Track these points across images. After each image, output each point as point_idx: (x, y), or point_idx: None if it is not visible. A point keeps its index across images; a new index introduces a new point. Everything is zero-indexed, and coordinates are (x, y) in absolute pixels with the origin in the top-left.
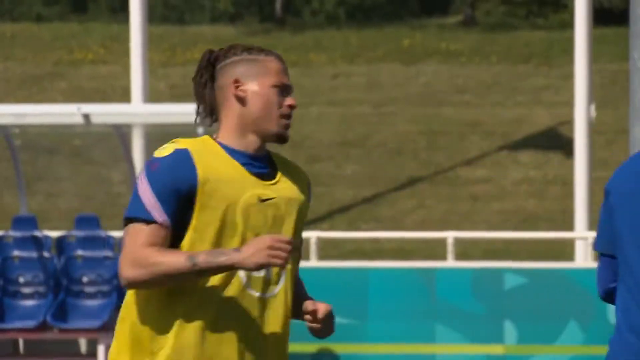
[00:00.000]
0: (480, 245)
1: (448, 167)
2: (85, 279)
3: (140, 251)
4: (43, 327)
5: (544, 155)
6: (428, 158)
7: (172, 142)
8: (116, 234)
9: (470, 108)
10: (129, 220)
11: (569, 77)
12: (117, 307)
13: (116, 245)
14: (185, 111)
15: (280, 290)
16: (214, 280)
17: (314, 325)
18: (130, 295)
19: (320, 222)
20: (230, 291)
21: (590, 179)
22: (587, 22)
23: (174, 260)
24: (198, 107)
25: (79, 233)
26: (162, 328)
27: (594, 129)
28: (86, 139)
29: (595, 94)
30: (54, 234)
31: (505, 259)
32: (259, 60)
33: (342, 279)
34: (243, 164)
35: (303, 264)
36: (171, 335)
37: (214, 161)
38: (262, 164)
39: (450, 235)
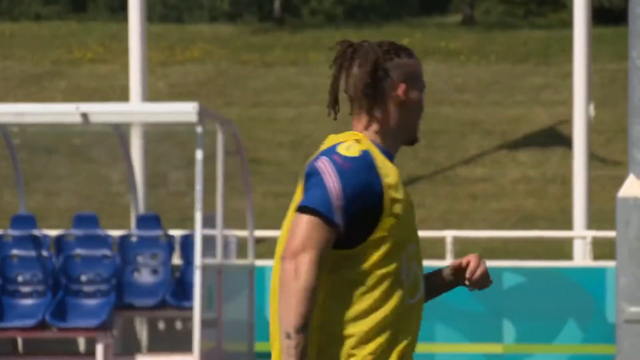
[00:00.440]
0: (480, 244)
1: (447, 166)
2: (84, 278)
3: (309, 255)
4: (42, 326)
5: (543, 154)
6: (427, 157)
7: (350, 139)
8: (115, 233)
9: (470, 107)
10: (310, 210)
11: (568, 76)
12: (115, 306)
13: (114, 244)
14: (184, 110)
15: (421, 294)
16: (385, 291)
17: (475, 275)
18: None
19: None
20: (395, 300)
21: (589, 177)
22: (586, 21)
23: (303, 312)
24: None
25: (78, 232)
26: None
27: (593, 128)
28: (85, 138)
29: (594, 93)
30: (53, 232)
31: (504, 258)
32: (416, 65)
33: None
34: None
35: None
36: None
37: (383, 165)
38: None
39: (449, 234)
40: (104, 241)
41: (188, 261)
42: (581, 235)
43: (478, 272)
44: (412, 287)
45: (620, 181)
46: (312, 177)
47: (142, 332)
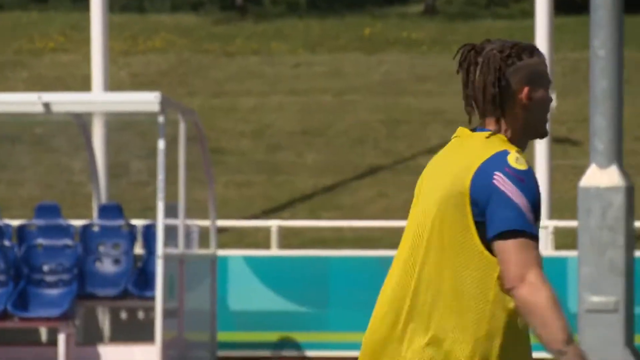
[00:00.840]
0: None
1: (409, 155)
2: (45, 268)
3: (534, 272)
4: (3, 316)
5: None
6: (389, 147)
7: (510, 149)
8: (77, 222)
9: (432, 97)
10: (514, 234)
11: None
12: (77, 296)
13: (76, 234)
14: (146, 100)
15: None
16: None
17: None
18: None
19: (281, 210)
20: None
21: (551, 167)
22: (548, 11)
23: (561, 324)
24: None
25: (40, 222)
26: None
27: (555, 118)
28: (47, 127)
29: (556, 83)
30: (15, 222)
31: None
32: (540, 64)
33: (303, 268)
34: None
35: (263, 252)
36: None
37: None
38: None
39: None
40: (66, 231)
41: (150, 251)
42: (543, 224)
43: None
44: None
45: (581, 171)
46: (495, 196)
47: (104, 321)
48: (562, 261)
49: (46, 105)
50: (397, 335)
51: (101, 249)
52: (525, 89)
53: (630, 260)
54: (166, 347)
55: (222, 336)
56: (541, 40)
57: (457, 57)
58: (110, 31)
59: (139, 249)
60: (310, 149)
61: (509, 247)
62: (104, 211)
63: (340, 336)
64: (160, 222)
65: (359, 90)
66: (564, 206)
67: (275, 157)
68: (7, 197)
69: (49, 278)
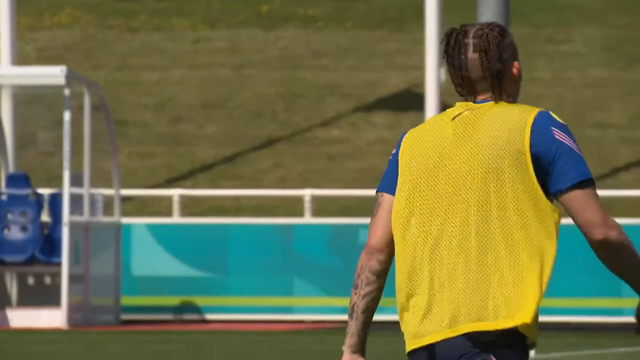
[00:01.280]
0: (337, 202)
1: (305, 127)
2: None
3: (611, 217)
4: None
5: (397, 117)
6: (286, 119)
7: (533, 107)
8: None
9: (327, 72)
10: (589, 182)
11: (421, 42)
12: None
13: None
14: (53, 73)
15: None
16: None
17: None
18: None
19: (183, 180)
20: None
21: None
22: None
23: None
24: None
25: None
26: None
27: (444, 91)
28: None
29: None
30: None
31: (360, 215)
32: (513, 40)
33: (204, 235)
34: None
35: (166, 220)
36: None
37: None
38: None
39: (307, 192)
40: None
41: (56, 219)
42: None
43: None
44: None
45: None
46: (560, 150)
47: (12, 287)
48: None
49: None
50: (472, 302)
51: (9, 216)
52: (516, 64)
53: None
54: (72, 310)
55: (126, 300)
56: (430, 17)
57: (446, 42)
58: (17, 6)
59: (45, 217)
60: (210, 121)
61: (588, 195)
62: (12, 180)
63: (239, 300)
64: (66, 190)
65: (257, 65)
66: None
67: (177, 129)
68: None
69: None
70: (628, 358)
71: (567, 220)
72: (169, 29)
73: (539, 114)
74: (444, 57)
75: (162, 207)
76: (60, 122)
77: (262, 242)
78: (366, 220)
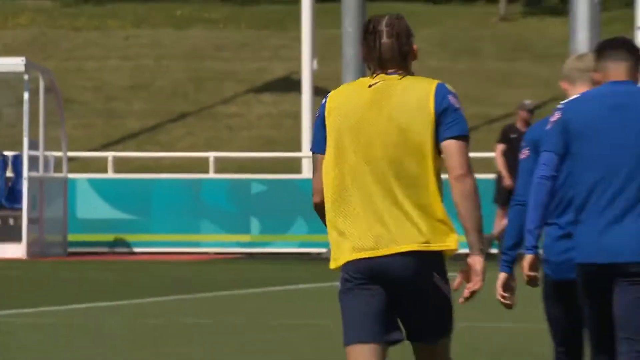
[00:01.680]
0: (235, 162)
1: (210, 105)
2: None
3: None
4: None
5: (280, 97)
6: (195, 99)
7: (431, 79)
8: None
9: (227, 62)
10: (467, 138)
11: (298, 39)
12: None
13: None
14: (15, 63)
15: None
16: None
17: (468, 295)
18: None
19: (116, 145)
20: None
21: (313, 114)
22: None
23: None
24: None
25: None
26: None
27: (316, 77)
28: None
29: (318, 51)
30: None
31: (252, 172)
32: None
33: (132, 187)
34: None
35: (102, 176)
36: None
37: None
38: None
39: (212, 155)
40: None
41: (18, 174)
42: (307, 155)
43: (470, 294)
44: None
45: None
46: (457, 111)
47: None
48: None
49: None
50: (389, 229)
51: None
52: (415, 46)
53: None
54: (30, 245)
55: (72, 237)
56: (306, 20)
57: (364, 29)
58: None
59: (9, 173)
60: (137, 100)
61: (461, 146)
62: None
63: (160, 237)
64: (25, 153)
65: (173, 57)
66: None
67: (112, 105)
68: None
69: None
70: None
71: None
72: (105, 29)
73: (438, 84)
74: (363, 40)
75: (99, 166)
76: (21, 101)
77: (177, 192)
78: (257, 176)
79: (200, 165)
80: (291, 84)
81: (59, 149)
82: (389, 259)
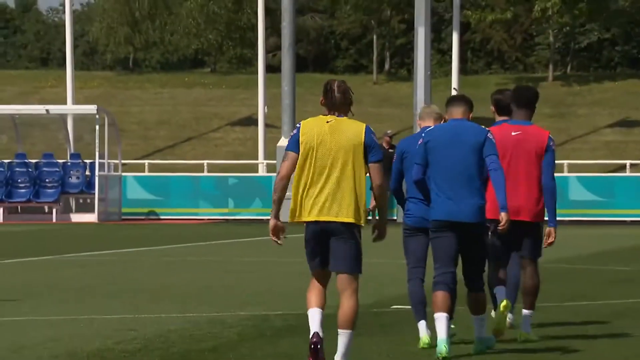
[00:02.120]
0: (219, 166)
1: (205, 132)
2: None
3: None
4: None
5: (246, 128)
6: (196, 129)
7: (360, 122)
8: None
9: (214, 108)
10: (380, 160)
11: (256, 94)
12: None
13: None
14: None
15: None
16: None
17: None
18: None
19: (149, 156)
20: None
21: (266, 140)
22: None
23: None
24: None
25: None
26: None
27: (268, 117)
28: None
29: (267, 101)
30: None
31: (229, 172)
32: None
33: (159, 181)
34: None
35: (142, 174)
36: None
37: None
38: None
39: (205, 162)
40: None
41: (92, 173)
42: (262, 162)
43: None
44: None
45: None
46: (374, 144)
47: None
48: None
49: None
50: (335, 204)
51: None
52: (352, 99)
53: None
54: (99, 214)
55: (124, 210)
56: (260, 83)
57: (324, 88)
58: None
59: (88, 172)
60: (162, 130)
61: (379, 167)
62: None
63: (175, 210)
64: (97, 161)
65: (183, 105)
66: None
67: (147, 133)
68: None
69: None
70: None
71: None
72: (143, 88)
73: (366, 126)
74: (323, 93)
75: (140, 168)
76: (94, 130)
77: (185, 184)
78: (232, 174)
79: (199, 168)
80: (252, 121)
81: (117, 158)
82: (329, 224)
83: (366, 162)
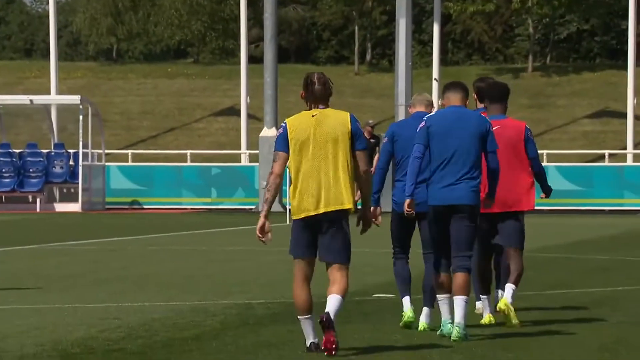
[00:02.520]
0: (202, 156)
1: (188, 122)
2: None
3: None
4: None
5: (228, 118)
6: (179, 119)
7: (344, 111)
8: None
9: (197, 98)
10: (365, 148)
11: (239, 84)
12: None
13: None
14: None
15: None
16: None
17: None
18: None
19: (133, 146)
20: None
21: (248, 130)
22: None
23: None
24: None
25: None
26: None
27: (250, 107)
28: None
29: (250, 92)
30: None
31: (212, 162)
32: None
33: (143, 171)
34: None
35: (125, 164)
36: None
37: None
38: None
39: (188, 152)
40: None
41: (76, 163)
42: (244, 152)
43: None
44: None
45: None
46: (359, 132)
47: None
48: None
49: None
50: (336, 194)
51: None
52: (332, 90)
53: None
54: (83, 204)
55: (108, 199)
56: (243, 73)
57: (304, 81)
58: None
59: (71, 162)
60: (145, 120)
61: (365, 154)
62: None
63: (158, 199)
64: (80, 150)
65: (166, 95)
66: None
67: (130, 123)
68: None
69: None
70: None
71: None
72: (126, 79)
73: (350, 114)
74: (304, 87)
75: (123, 158)
76: (77, 120)
77: (169, 173)
78: (215, 164)
79: (182, 158)
80: (234, 111)
81: (100, 148)
82: (325, 214)
83: (353, 149)
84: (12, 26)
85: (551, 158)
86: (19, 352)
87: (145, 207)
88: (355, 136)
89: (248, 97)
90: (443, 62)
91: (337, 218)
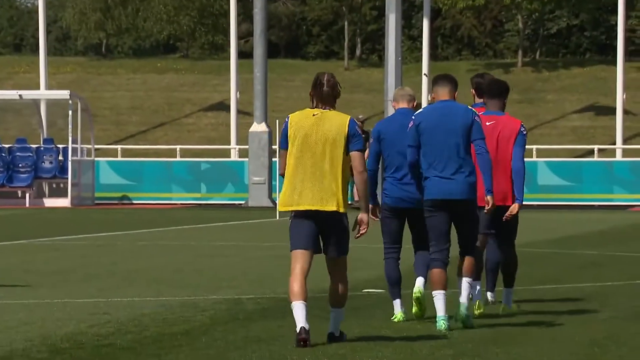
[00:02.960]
0: (191, 151)
1: (177, 118)
2: None
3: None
4: None
5: (218, 113)
6: (169, 114)
7: (345, 114)
8: None
9: (187, 93)
10: (361, 150)
11: (229, 80)
12: None
13: None
14: None
15: None
16: None
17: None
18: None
19: (122, 141)
20: None
21: (238, 125)
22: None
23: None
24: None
25: None
26: None
27: (240, 102)
28: None
29: (240, 87)
30: None
31: (202, 157)
32: None
33: (132, 166)
34: None
35: (115, 159)
36: None
37: None
38: None
39: (178, 147)
40: None
41: (65, 158)
42: (234, 147)
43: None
44: None
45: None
46: (356, 134)
47: None
48: None
49: None
50: (320, 194)
51: None
52: (339, 92)
53: None
54: (72, 199)
55: (97, 194)
56: (233, 68)
57: (314, 81)
58: None
59: (61, 157)
60: (135, 115)
61: (360, 155)
62: None
63: (148, 194)
64: (70, 145)
65: (155, 90)
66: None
67: (119, 118)
68: None
69: None
70: None
71: None
72: (116, 74)
73: (350, 118)
74: (313, 86)
75: (113, 153)
76: (67, 115)
77: (158, 168)
78: (204, 159)
79: (172, 153)
80: (224, 106)
81: (89, 143)
82: (320, 212)
83: (347, 151)
84: (1, 21)
85: (541, 153)
86: (8, 347)
87: (134, 202)
88: (351, 137)
89: (238, 92)
90: (433, 57)
91: (327, 217)
